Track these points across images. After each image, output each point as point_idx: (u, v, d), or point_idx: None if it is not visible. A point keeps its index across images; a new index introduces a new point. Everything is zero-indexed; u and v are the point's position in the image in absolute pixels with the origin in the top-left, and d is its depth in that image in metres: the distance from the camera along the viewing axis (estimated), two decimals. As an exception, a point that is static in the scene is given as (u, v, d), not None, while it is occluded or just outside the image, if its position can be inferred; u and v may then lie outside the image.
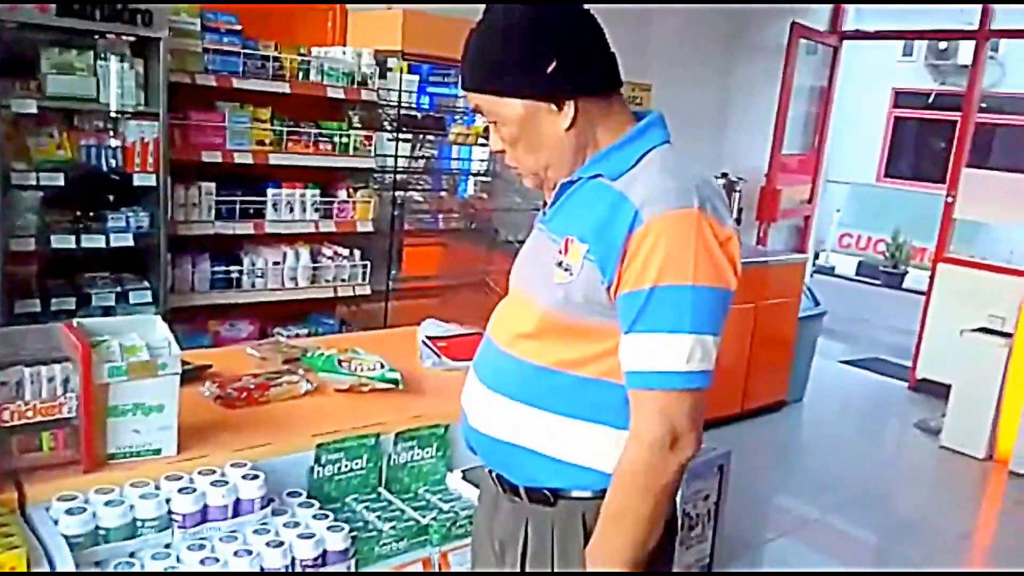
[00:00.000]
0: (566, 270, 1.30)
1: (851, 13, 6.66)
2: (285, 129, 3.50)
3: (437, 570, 1.77)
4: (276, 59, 3.43)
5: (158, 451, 1.65)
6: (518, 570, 1.42)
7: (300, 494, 1.75)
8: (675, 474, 1.26)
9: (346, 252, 3.80)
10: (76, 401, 1.53)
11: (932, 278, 5.84)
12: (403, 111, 3.87)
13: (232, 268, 3.47)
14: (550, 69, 1.28)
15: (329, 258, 3.76)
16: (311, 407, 2.00)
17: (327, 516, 1.67)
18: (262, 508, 1.62)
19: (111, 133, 3.07)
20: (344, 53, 3.70)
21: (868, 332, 8.15)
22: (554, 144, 1.34)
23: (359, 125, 3.78)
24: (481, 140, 4.03)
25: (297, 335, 3.62)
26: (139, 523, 1.50)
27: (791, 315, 5.14)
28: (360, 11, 3.95)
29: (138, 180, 3.06)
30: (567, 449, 1.34)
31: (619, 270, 1.25)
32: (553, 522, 1.38)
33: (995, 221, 5.89)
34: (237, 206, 3.43)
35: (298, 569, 1.57)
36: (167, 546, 1.53)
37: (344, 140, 3.67)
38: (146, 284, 3.19)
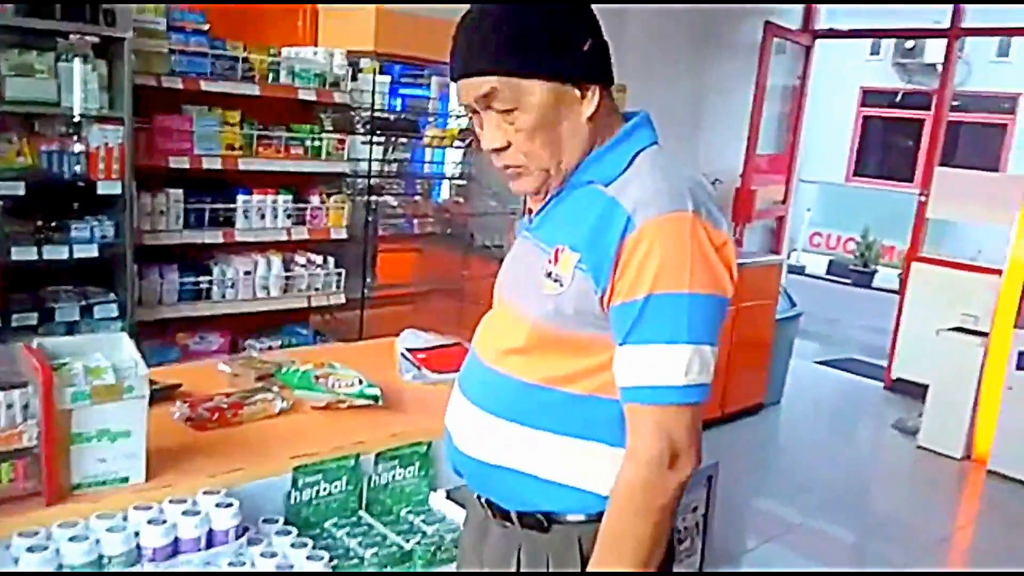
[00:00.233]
0: (556, 281, 1.23)
1: (823, 12, 6.66)
2: (255, 133, 3.40)
3: (422, 597, 1.70)
4: (245, 60, 3.33)
5: (125, 480, 1.56)
6: None
7: (277, 520, 1.66)
8: (675, 492, 1.20)
9: (320, 260, 3.70)
10: (37, 429, 1.44)
11: (905, 277, 5.87)
12: (376, 113, 3.79)
13: (201, 278, 3.35)
14: (586, 47, 1.22)
15: (302, 266, 3.66)
16: (287, 427, 1.91)
17: (306, 544, 1.58)
18: (237, 538, 1.54)
19: (74, 138, 2.96)
20: (315, 54, 3.60)
21: (841, 332, 8.20)
22: (573, 135, 1.25)
23: (331, 128, 3.69)
24: (457, 143, 3.96)
25: (270, 347, 3.52)
26: (106, 559, 1.41)
27: (768, 317, 5.13)
28: (332, 10, 3.85)
29: (102, 188, 2.94)
30: (561, 470, 1.27)
31: (612, 279, 1.19)
32: (548, 549, 1.31)
33: (968, 220, 5.92)
34: (206, 214, 3.32)
35: (276, 602, 1.49)
36: (136, 582, 1.44)
37: (316, 144, 3.58)
38: (112, 297, 3.08)
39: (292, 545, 1.58)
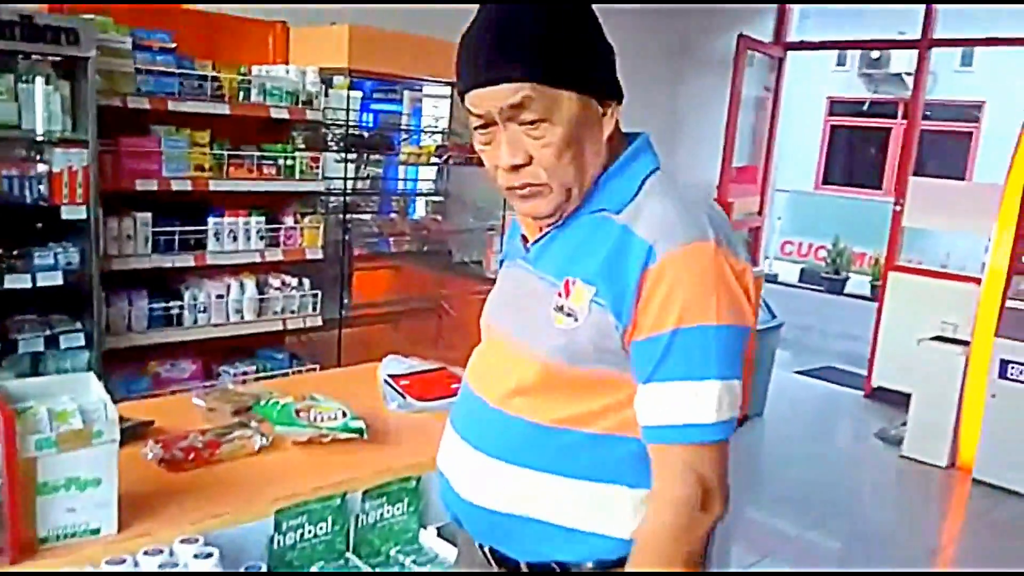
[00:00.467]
0: (569, 315, 1.15)
1: (795, 21, 6.70)
2: (226, 153, 3.31)
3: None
4: (215, 79, 3.24)
5: (96, 531, 1.45)
6: None
7: (259, 567, 1.56)
8: (706, 535, 1.13)
9: (294, 281, 3.61)
10: (-1, 480, 1.33)
11: (883, 287, 5.88)
12: (349, 130, 3.70)
13: (172, 304, 3.25)
14: (611, 60, 1.18)
15: (277, 288, 3.56)
16: (267, 465, 1.81)
17: (292, 593, 1.49)
18: (218, 590, 1.44)
19: (36, 162, 2.84)
20: (287, 71, 3.51)
21: (816, 340, 8.21)
22: (595, 154, 1.18)
23: (303, 146, 3.60)
24: (434, 159, 3.88)
25: (244, 372, 3.43)
26: (76, 620, 1.31)
27: (751, 329, 5.08)
28: (304, 27, 3.77)
29: (66, 213, 2.83)
30: (578, 516, 1.19)
31: (634, 313, 1.11)
32: None
33: (944, 229, 5.95)
34: (176, 237, 3.22)
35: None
36: (109, 643, 1.33)
37: (289, 163, 3.48)
38: (78, 326, 2.95)
39: (277, 595, 1.49)
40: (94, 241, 2.90)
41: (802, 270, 12.37)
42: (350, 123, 3.71)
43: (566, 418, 1.18)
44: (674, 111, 6.01)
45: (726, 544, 3.49)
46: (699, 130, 6.20)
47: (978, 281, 4.84)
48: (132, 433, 1.80)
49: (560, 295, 1.17)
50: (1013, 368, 4.28)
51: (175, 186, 3.15)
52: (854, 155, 15.30)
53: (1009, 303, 4.38)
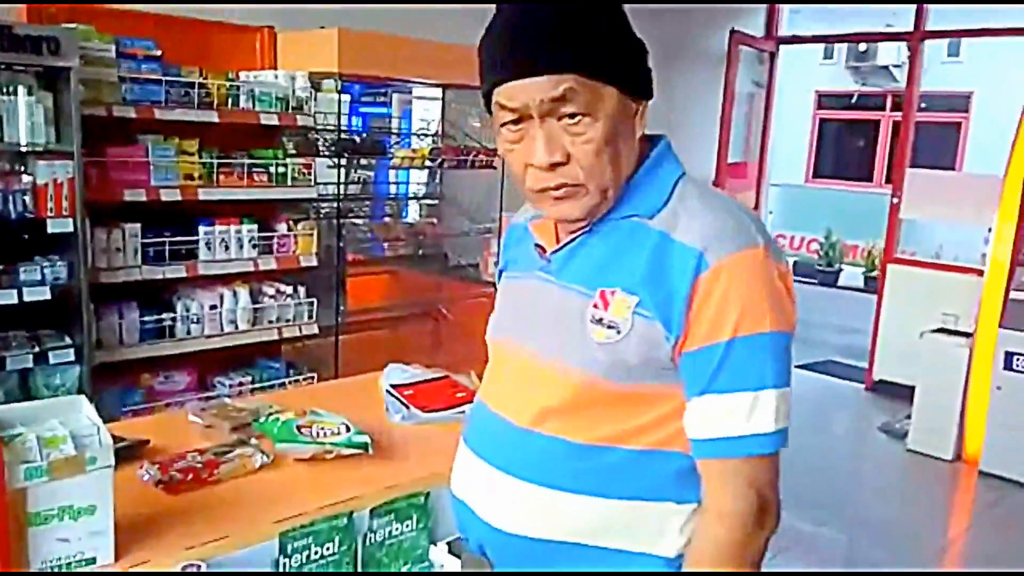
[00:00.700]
0: (610, 327, 1.08)
1: (785, 17, 6.66)
2: (215, 161, 3.23)
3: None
4: (202, 86, 3.16)
5: (92, 560, 1.38)
6: None
7: (264, 592, 1.49)
8: (763, 551, 1.08)
9: (289, 289, 3.53)
10: (-14, 511, 1.26)
11: (882, 280, 5.84)
12: (340, 135, 3.63)
13: (164, 315, 3.18)
14: (648, 57, 1.13)
15: (271, 297, 3.48)
16: (269, 484, 1.74)
17: (300, 620, 1.42)
18: (222, 619, 1.37)
19: (20, 175, 2.76)
20: (276, 77, 3.44)
21: (814, 333, 8.16)
22: (629, 154, 1.13)
23: (294, 152, 3.53)
24: (428, 162, 3.82)
25: (240, 383, 3.36)
26: (72, 659, 1.24)
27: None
28: (291, 31, 3.70)
29: (52, 226, 2.75)
30: (624, 537, 1.12)
31: (686, 323, 1.06)
32: None
33: (942, 221, 5.92)
34: (166, 248, 3.15)
35: None
36: None
37: (281, 169, 3.41)
38: (68, 341, 2.88)
39: (284, 622, 1.42)
40: (82, 254, 2.82)
41: (795, 263, 12.36)
42: (341, 127, 3.64)
43: (609, 436, 1.11)
44: (667, 108, 5.95)
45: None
46: (692, 126, 6.15)
47: (977, 272, 4.80)
48: (127, 454, 1.73)
49: (596, 306, 1.10)
50: (1018, 360, 4.24)
51: (164, 196, 3.07)
52: (843, 148, 15.31)
53: (1013, 295, 4.34)
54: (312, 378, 3.55)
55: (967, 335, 4.65)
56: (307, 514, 1.60)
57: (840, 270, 11.67)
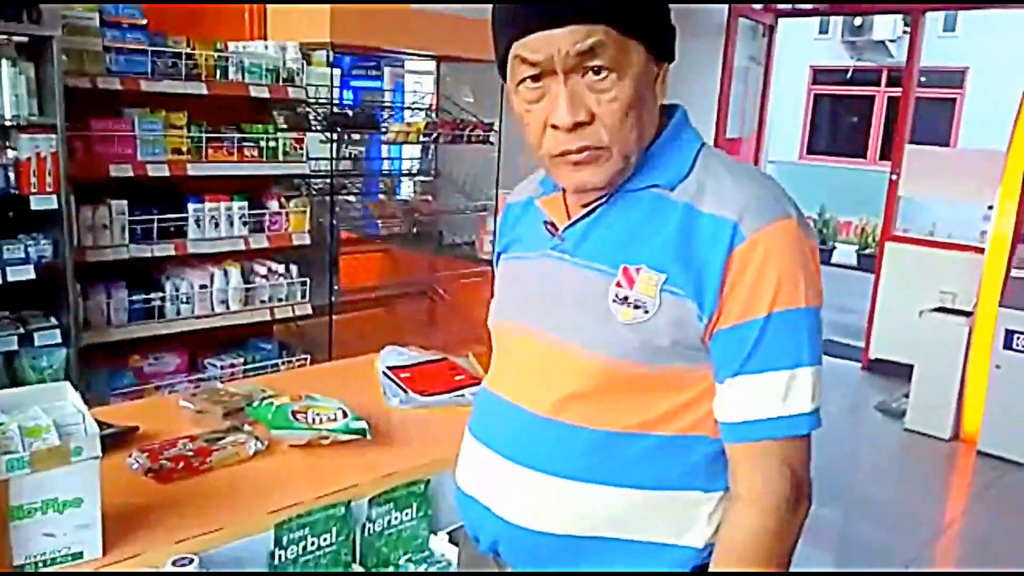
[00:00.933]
0: (638, 307, 1.02)
1: (783, -10, 6.56)
2: (204, 135, 3.14)
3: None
4: (190, 56, 3.06)
5: (79, 555, 1.32)
6: None
7: (260, 586, 1.44)
8: (797, 537, 1.03)
9: (281, 268, 3.45)
10: (-35, 506, 1.20)
11: (879, 257, 5.79)
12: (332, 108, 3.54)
13: (152, 295, 3.09)
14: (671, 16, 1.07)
15: (263, 276, 3.40)
16: (263, 473, 1.68)
17: (297, 615, 1.36)
18: (216, 616, 1.31)
19: (3, 149, 2.67)
20: (267, 48, 3.33)
21: (809, 311, 8.13)
22: (651, 121, 1.07)
23: (285, 126, 3.43)
24: (424, 137, 3.73)
25: (232, 364, 3.29)
26: (58, 660, 1.18)
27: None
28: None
29: (36, 203, 2.66)
30: (653, 528, 1.06)
31: (720, 299, 1.00)
32: None
33: (941, 198, 5.86)
34: (154, 225, 3.06)
35: None
36: None
37: (272, 144, 3.31)
38: (53, 322, 2.80)
39: (281, 618, 1.36)
40: (67, 232, 2.74)
41: (789, 241, 12.32)
42: (333, 100, 3.54)
43: (636, 423, 1.05)
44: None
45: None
46: (688, 101, 6.05)
47: (975, 250, 4.75)
48: (115, 441, 1.67)
49: (620, 285, 1.03)
50: (1018, 339, 4.21)
51: (151, 171, 2.98)
52: (838, 124, 15.22)
53: (1014, 272, 4.30)
54: (305, 359, 3.48)
55: (966, 314, 4.61)
56: (303, 503, 1.54)
57: (834, 248, 11.62)
